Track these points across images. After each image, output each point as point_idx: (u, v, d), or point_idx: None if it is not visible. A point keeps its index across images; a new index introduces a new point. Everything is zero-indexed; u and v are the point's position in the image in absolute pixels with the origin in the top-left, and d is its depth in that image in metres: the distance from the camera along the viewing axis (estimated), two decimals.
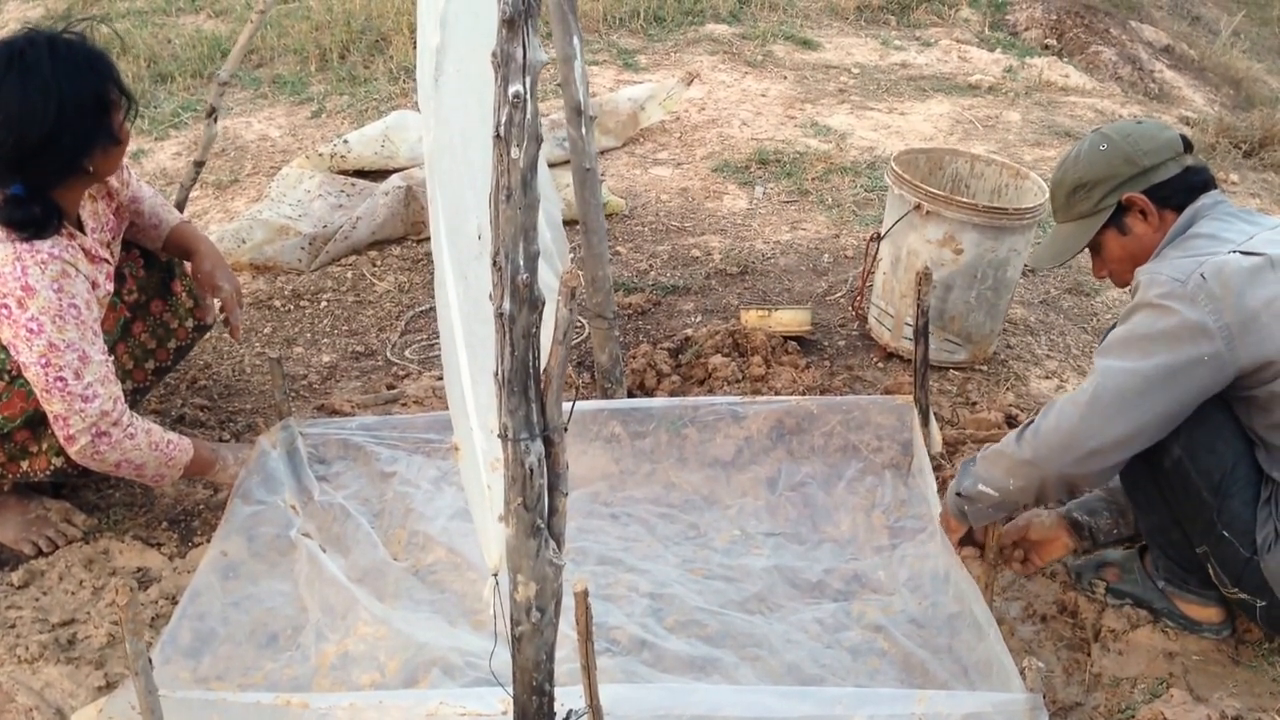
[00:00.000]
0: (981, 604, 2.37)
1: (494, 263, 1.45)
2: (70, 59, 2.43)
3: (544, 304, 1.49)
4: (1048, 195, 2.53)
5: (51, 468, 2.61)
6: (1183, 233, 2.29)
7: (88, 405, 2.43)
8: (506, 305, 1.46)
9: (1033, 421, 2.33)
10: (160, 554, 2.71)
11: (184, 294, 2.96)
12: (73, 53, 2.45)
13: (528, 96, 1.38)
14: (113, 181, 2.72)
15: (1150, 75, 7.35)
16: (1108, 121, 5.98)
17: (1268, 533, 2.20)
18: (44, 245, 2.41)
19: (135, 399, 2.91)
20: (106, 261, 2.63)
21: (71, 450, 2.48)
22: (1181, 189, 2.33)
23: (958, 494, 2.50)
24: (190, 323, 2.97)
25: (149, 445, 2.55)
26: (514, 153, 1.40)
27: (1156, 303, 2.16)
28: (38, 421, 2.54)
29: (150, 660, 1.86)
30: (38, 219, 2.42)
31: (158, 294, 2.92)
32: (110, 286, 2.66)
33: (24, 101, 2.37)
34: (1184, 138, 2.39)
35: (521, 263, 1.44)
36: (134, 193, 2.83)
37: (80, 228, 2.59)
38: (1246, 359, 2.11)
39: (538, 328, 1.49)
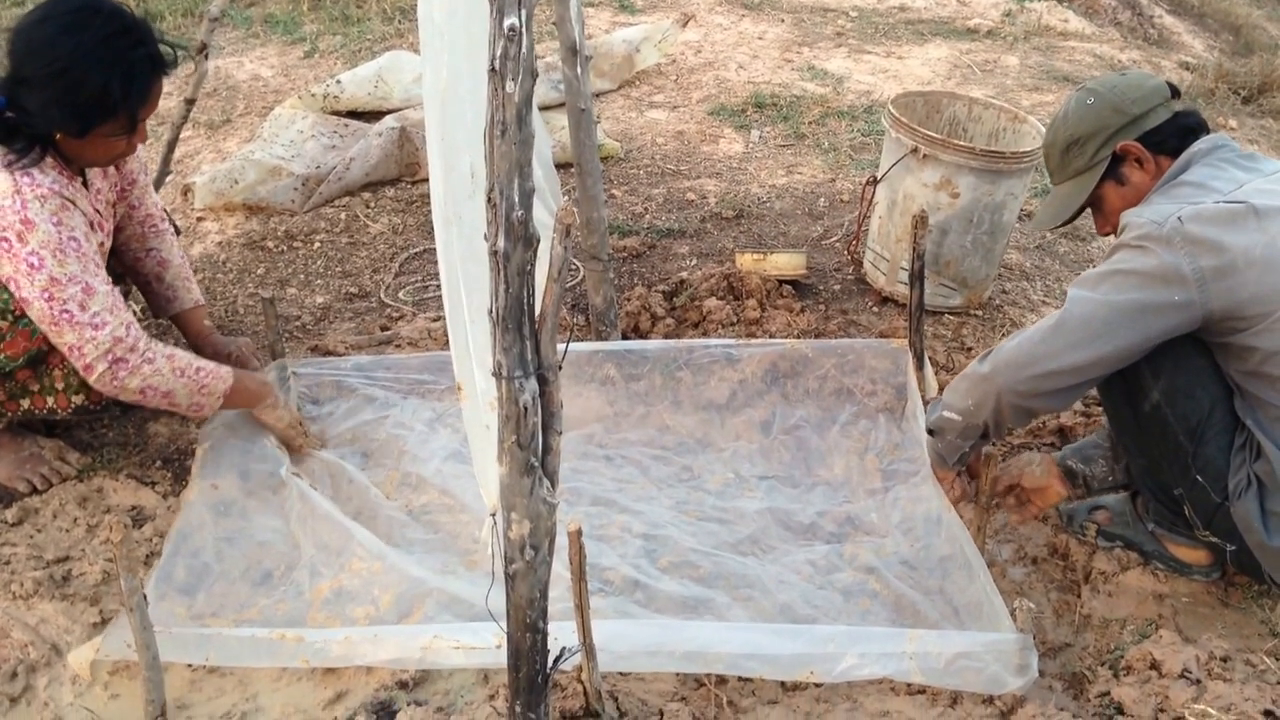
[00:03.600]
0: (973, 546, 2.39)
1: (488, 199, 1.44)
2: (106, 51, 2.37)
3: (538, 241, 1.48)
4: (1043, 157, 2.53)
5: (47, 407, 2.61)
6: (1174, 179, 2.28)
7: (98, 333, 2.41)
8: (501, 242, 1.44)
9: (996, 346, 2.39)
10: (154, 492, 2.71)
11: None
12: (110, 45, 2.38)
13: (523, 30, 1.36)
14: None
15: (1150, 20, 7.29)
16: (1107, 66, 5.94)
17: (1239, 479, 2.22)
18: (44, 179, 2.40)
19: None
20: (99, 214, 2.64)
21: (91, 380, 2.46)
22: (1174, 133, 2.33)
23: (928, 432, 2.55)
24: None
25: (172, 370, 2.51)
26: (509, 87, 1.38)
27: (1134, 243, 2.17)
28: (39, 360, 2.54)
29: (145, 596, 1.86)
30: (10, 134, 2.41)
31: None
32: (108, 242, 2.70)
33: (41, 40, 2.34)
34: (1170, 84, 2.39)
35: (516, 199, 1.43)
36: (135, 176, 2.86)
37: (85, 185, 2.60)
38: (1218, 305, 2.11)
39: (533, 265, 1.48)
